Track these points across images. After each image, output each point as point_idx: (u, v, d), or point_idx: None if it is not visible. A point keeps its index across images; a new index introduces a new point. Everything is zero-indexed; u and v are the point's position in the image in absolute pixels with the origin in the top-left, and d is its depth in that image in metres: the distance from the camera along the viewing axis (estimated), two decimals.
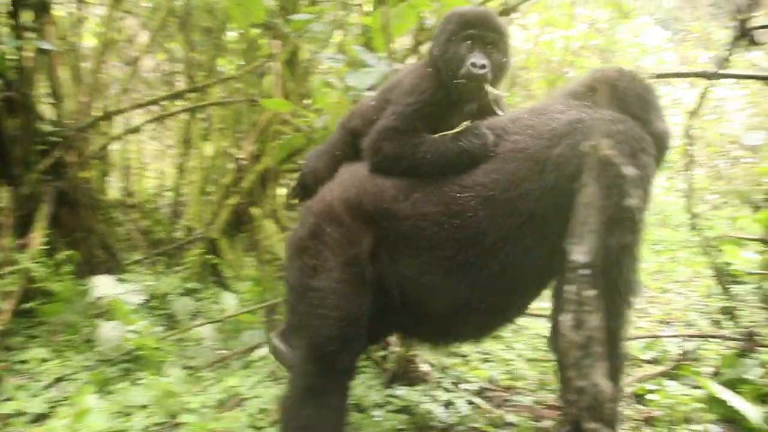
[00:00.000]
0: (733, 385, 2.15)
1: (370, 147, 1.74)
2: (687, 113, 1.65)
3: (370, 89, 2.38)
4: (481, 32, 1.67)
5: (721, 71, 1.64)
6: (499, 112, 1.74)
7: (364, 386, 2.31)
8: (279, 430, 1.76)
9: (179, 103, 4.22)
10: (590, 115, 1.60)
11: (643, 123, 1.60)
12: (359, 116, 1.87)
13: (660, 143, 1.64)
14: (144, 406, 2.23)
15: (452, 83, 1.68)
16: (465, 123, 1.66)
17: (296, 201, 2.05)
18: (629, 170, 1.29)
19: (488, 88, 1.67)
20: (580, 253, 1.22)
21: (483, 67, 1.63)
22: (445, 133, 1.67)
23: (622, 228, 1.45)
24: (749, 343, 2.42)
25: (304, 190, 2.00)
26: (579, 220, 1.25)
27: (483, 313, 1.68)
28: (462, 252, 1.62)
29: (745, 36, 1.38)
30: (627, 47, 4.45)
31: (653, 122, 1.63)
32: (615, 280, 1.47)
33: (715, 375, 2.36)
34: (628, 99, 1.66)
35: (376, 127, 1.73)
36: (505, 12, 3.21)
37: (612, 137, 1.49)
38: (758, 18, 1.43)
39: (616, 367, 1.51)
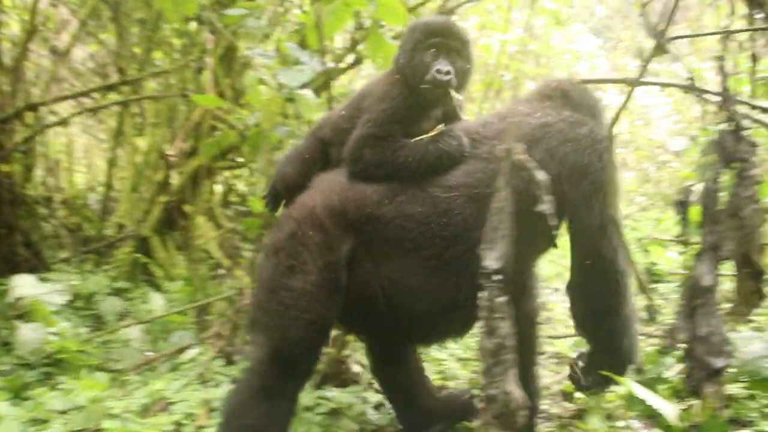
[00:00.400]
0: (653, 382, 2.22)
1: (350, 155, 1.77)
2: (611, 118, 1.71)
3: (303, 87, 2.36)
4: (445, 40, 1.74)
5: (643, 79, 1.69)
6: (463, 117, 1.80)
7: None
8: (221, 426, 1.72)
9: (112, 96, 4.08)
10: (555, 118, 1.72)
11: None
12: (330, 126, 1.91)
13: None
14: (63, 413, 2.14)
15: (419, 89, 1.74)
16: (440, 126, 1.73)
17: (268, 209, 2.03)
18: (541, 175, 1.32)
19: (453, 93, 1.73)
20: (491, 259, 1.23)
21: (448, 73, 1.71)
22: (421, 137, 1.73)
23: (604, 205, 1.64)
24: (671, 340, 2.52)
25: (276, 197, 2.00)
26: (491, 225, 1.26)
27: (468, 311, 1.66)
28: (449, 249, 1.66)
29: (660, 47, 1.43)
30: (561, 53, 4.57)
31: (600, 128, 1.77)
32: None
33: (639, 372, 2.45)
34: (580, 107, 1.79)
35: (354, 135, 1.78)
36: (443, 14, 3.23)
37: (579, 140, 1.68)
38: (673, 29, 1.50)
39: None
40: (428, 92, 1.74)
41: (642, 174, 4.69)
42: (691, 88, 1.48)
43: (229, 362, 2.55)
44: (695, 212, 1.38)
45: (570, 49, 4.57)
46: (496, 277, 1.25)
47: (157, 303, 2.95)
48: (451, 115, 1.81)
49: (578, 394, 2.45)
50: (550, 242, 1.82)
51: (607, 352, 1.90)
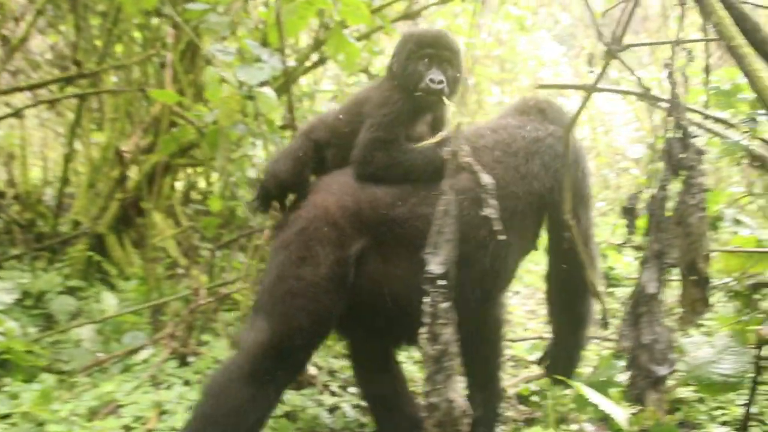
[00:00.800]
0: (606, 385, 2.25)
1: (361, 158, 1.83)
2: (566, 126, 1.73)
3: (263, 85, 2.33)
4: (437, 51, 1.83)
5: (600, 86, 1.71)
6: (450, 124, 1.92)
7: None
8: (200, 404, 1.71)
9: (70, 89, 3.96)
10: (544, 133, 1.93)
11: None
12: (325, 128, 1.96)
13: None
14: (6, 416, 2.07)
15: (414, 95, 1.83)
16: (442, 133, 1.82)
17: (258, 209, 2.02)
18: (486, 179, 1.31)
19: (445, 100, 1.84)
20: (435, 264, 1.22)
21: (440, 82, 1.80)
22: (425, 142, 1.83)
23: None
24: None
25: (266, 196, 1.98)
26: (435, 229, 1.25)
27: (469, 303, 1.78)
28: (458, 248, 1.71)
29: (610, 53, 1.45)
30: (526, 59, 4.62)
31: None
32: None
33: (594, 374, 2.47)
34: (556, 122, 2.00)
35: (361, 139, 1.84)
36: (409, 16, 3.24)
37: (548, 153, 1.91)
38: (635, 39, 1.52)
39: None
40: (422, 99, 1.82)
41: (602, 180, 4.78)
42: (642, 95, 1.50)
43: (183, 363, 2.50)
44: (644, 219, 1.42)
45: (535, 56, 4.63)
46: (440, 283, 1.23)
47: (109, 302, 2.87)
48: (439, 121, 1.93)
49: (534, 398, 2.48)
50: (533, 246, 2.01)
51: (567, 349, 2.19)
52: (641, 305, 1.26)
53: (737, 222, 2.40)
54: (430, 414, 1.23)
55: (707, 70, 2.29)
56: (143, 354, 2.57)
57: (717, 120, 1.98)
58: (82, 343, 2.66)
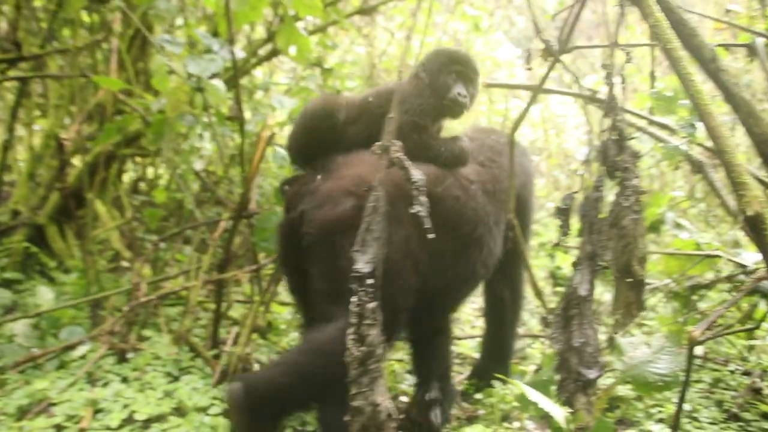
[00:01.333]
0: (548, 384, 2.28)
1: (395, 137, 1.88)
2: (510, 124, 1.73)
3: (212, 77, 2.27)
4: (465, 69, 2.09)
5: (547, 87, 1.71)
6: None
7: (189, 388, 2.20)
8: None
9: (11, 73, 3.80)
10: (503, 140, 2.26)
11: None
12: (355, 108, 2.09)
13: None
14: None
15: (441, 102, 2.06)
16: (455, 133, 2.11)
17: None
18: (416, 173, 1.30)
19: (465, 111, 2.11)
20: (362, 262, 1.20)
21: (465, 96, 2.06)
22: (443, 136, 2.08)
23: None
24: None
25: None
26: (364, 226, 1.23)
27: (478, 279, 2.09)
28: (477, 228, 2.00)
29: (547, 52, 1.47)
30: (483, 60, 4.65)
31: None
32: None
33: (537, 373, 2.50)
34: (502, 137, 2.34)
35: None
36: (364, 12, 3.21)
37: (529, 169, 2.37)
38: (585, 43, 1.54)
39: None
40: (447, 106, 2.06)
41: (553, 181, 4.85)
42: (579, 95, 1.51)
43: (122, 360, 2.42)
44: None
45: (490, 57, 4.66)
46: (367, 282, 1.21)
47: (46, 296, 2.76)
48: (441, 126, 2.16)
49: (478, 395, 2.49)
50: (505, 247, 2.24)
51: (501, 349, 2.50)
52: (572, 307, 1.26)
53: (678, 225, 2.46)
54: (355, 418, 1.21)
55: (652, 75, 2.35)
56: (81, 350, 2.48)
57: (659, 125, 2.02)
58: (16, 338, 2.55)
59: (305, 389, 1.64)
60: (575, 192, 1.38)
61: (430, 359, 2.20)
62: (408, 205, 1.68)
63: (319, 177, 1.91)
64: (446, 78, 2.05)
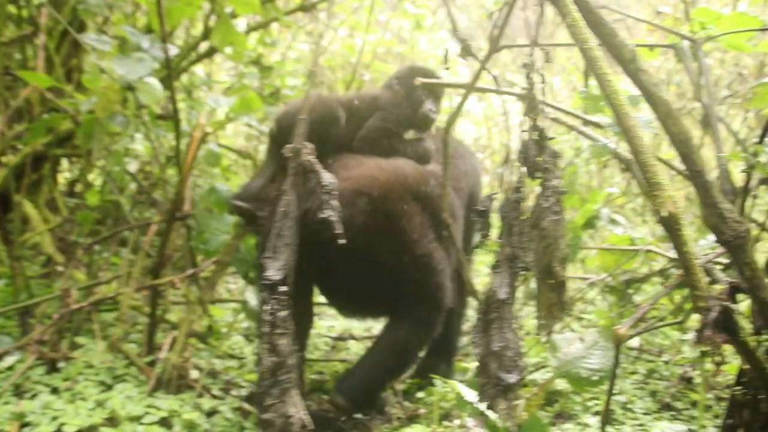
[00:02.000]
0: None
1: (369, 140, 2.24)
2: (446, 123, 1.74)
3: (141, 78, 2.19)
4: (435, 89, 2.33)
5: (480, 86, 1.72)
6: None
7: (123, 397, 2.12)
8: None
9: None
10: (455, 144, 2.47)
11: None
12: (345, 109, 2.26)
13: None
14: None
15: (414, 115, 2.30)
16: (418, 135, 2.33)
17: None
18: (326, 177, 1.29)
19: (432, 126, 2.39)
20: (273, 269, 1.16)
21: (435, 112, 2.34)
22: (411, 137, 2.31)
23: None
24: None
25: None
26: (275, 231, 1.20)
27: (452, 269, 2.23)
28: (456, 222, 2.17)
29: (465, 50, 1.49)
30: (427, 58, 4.67)
31: None
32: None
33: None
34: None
35: (372, 125, 2.27)
36: (304, 8, 3.17)
37: (473, 155, 2.62)
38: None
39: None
40: (420, 120, 2.31)
41: (497, 178, 4.90)
42: (509, 93, 1.52)
43: (53, 369, 2.32)
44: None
45: (435, 55, 4.69)
46: (280, 289, 1.18)
47: None
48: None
49: (420, 394, 2.50)
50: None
51: (446, 347, 2.58)
52: (492, 311, 1.26)
53: (613, 221, 2.52)
54: (266, 431, 1.17)
55: (586, 74, 2.39)
56: (8, 360, 2.37)
57: (594, 124, 2.06)
58: None
59: (391, 380, 2.25)
60: (495, 193, 1.39)
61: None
62: (412, 200, 2.04)
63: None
64: (420, 94, 2.28)
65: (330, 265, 1.98)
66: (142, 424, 1.96)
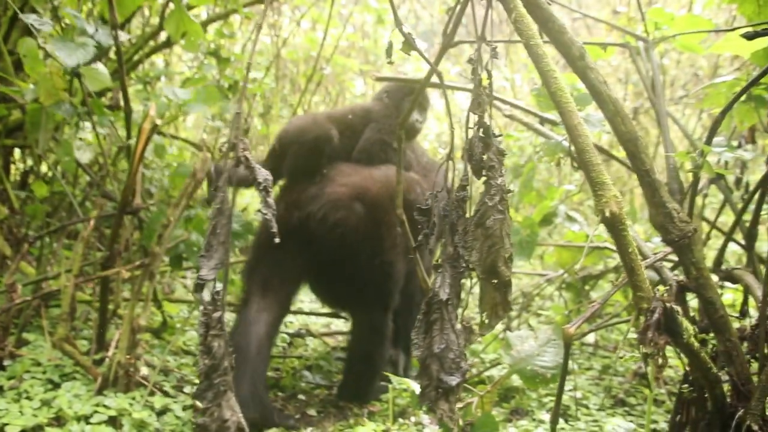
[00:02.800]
0: None
1: (366, 152, 2.43)
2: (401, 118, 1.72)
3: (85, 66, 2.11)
4: (422, 99, 2.54)
5: (435, 82, 1.71)
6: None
7: (70, 395, 2.06)
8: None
9: None
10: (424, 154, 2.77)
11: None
12: (338, 123, 2.44)
13: None
14: None
15: (405, 124, 2.39)
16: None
17: None
18: (262, 174, 1.26)
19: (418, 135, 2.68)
20: (207, 269, 1.13)
21: (421, 122, 2.59)
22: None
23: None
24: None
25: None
26: (210, 229, 1.16)
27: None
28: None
29: (407, 45, 1.48)
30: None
31: None
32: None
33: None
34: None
35: (368, 137, 2.45)
36: (263, 1, 3.11)
37: (424, 155, 2.71)
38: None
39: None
40: (408, 130, 2.44)
41: (442, 175, 4.90)
42: (457, 88, 1.51)
43: None
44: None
45: (397, 51, 4.64)
46: (217, 289, 1.15)
47: None
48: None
49: None
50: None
51: (407, 343, 2.47)
52: (433, 312, 1.25)
53: (569, 218, 2.54)
54: None
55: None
56: None
57: (550, 121, 2.07)
58: None
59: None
60: (439, 191, 1.37)
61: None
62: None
63: (315, 185, 2.26)
64: (408, 105, 2.35)
65: (318, 257, 2.24)
66: (90, 423, 1.90)
